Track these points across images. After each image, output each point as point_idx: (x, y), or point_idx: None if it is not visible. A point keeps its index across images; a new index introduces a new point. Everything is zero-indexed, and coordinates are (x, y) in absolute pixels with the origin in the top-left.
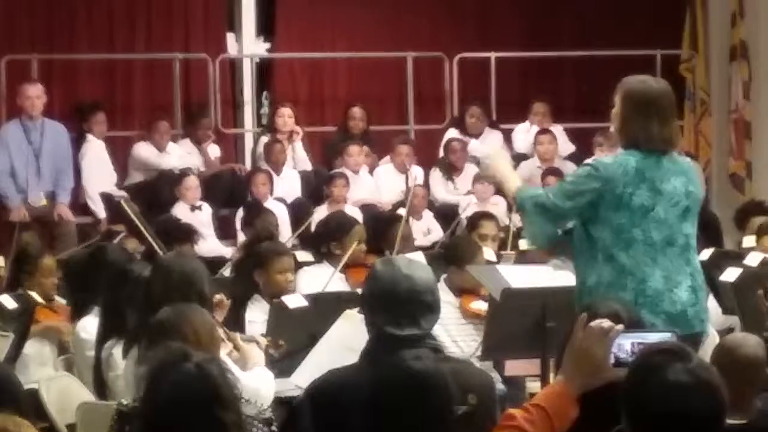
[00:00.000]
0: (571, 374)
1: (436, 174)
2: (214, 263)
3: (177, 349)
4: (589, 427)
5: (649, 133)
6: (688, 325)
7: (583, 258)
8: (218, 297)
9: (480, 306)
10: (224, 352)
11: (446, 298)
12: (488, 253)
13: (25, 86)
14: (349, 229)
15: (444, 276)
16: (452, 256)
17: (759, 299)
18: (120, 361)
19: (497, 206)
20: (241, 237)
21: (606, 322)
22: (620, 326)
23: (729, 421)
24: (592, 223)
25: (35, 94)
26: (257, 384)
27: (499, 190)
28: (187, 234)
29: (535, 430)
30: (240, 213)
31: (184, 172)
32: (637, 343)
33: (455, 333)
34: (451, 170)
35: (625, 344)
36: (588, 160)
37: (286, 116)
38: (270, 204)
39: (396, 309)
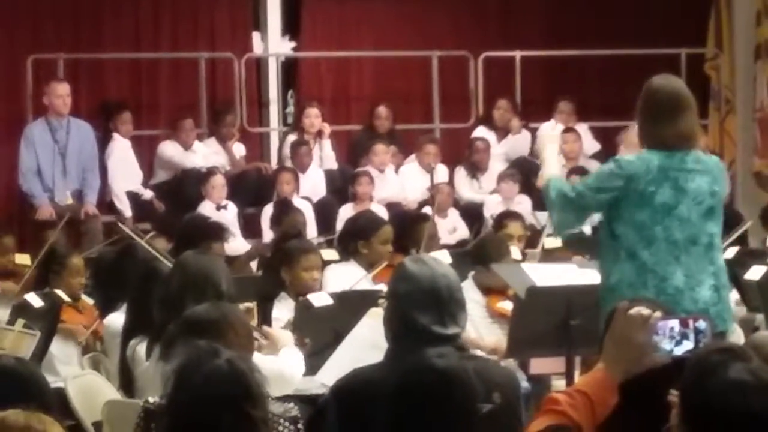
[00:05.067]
0: (612, 361)
1: (461, 173)
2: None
3: (206, 345)
4: (628, 413)
5: (658, 132)
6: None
7: (607, 256)
8: (247, 305)
9: (507, 306)
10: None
11: (474, 296)
12: (514, 252)
13: (53, 84)
14: (377, 229)
15: (472, 274)
16: (481, 255)
17: None
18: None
19: (522, 205)
20: (268, 235)
21: (645, 309)
22: (658, 312)
23: None
24: (616, 221)
25: (65, 92)
26: (279, 365)
27: (524, 190)
28: (218, 232)
29: (578, 414)
30: (265, 211)
31: (211, 171)
32: (668, 332)
33: (483, 332)
34: (475, 169)
35: (664, 330)
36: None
37: (312, 116)
38: (296, 203)
39: (440, 308)
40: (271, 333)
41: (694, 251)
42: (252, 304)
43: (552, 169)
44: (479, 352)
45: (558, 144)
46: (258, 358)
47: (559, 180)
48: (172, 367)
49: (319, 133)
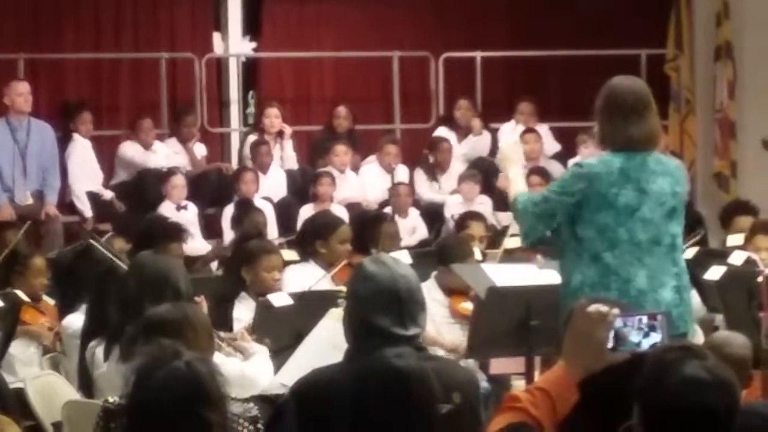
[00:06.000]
0: (572, 358)
1: (420, 173)
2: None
3: (168, 346)
4: (589, 410)
5: (617, 133)
6: (672, 325)
7: (569, 258)
8: (196, 299)
9: (469, 307)
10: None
11: (436, 296)
12: (475, 252)
13: (14, 84)
14: (335, 229)
15: (434, 274)
16: (444, 255)
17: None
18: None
19: (483, 205)
20: (228, 235)
21: (603, 306)
22: (616, 310)
23: None
24: (578, 224)
25: (26, 90)
26: (241, 368)
27: (484, 190)
28: (176, 232)
29: (539, 412)
30: (226, 212)
31: (171, 171)
32: (636, 324)
33: (444, 331)
34: (435, 169)
35: (633, 322)
36: (574, 160)
37: (272, 117)
38: (256, 203)
39: (399, 309)
40: (243, 346)
41: (657, 252)
42: (200, 298)
43: (520, 187)
44: (439, 351)
45: (521, 162)
46: (220, 360)
47: (526, 193)
48: (133, 366)
49: (280, 134)
